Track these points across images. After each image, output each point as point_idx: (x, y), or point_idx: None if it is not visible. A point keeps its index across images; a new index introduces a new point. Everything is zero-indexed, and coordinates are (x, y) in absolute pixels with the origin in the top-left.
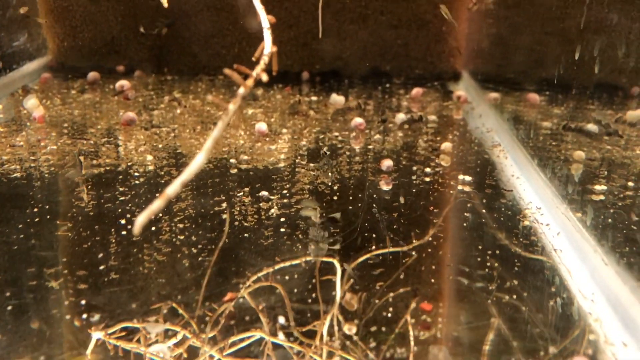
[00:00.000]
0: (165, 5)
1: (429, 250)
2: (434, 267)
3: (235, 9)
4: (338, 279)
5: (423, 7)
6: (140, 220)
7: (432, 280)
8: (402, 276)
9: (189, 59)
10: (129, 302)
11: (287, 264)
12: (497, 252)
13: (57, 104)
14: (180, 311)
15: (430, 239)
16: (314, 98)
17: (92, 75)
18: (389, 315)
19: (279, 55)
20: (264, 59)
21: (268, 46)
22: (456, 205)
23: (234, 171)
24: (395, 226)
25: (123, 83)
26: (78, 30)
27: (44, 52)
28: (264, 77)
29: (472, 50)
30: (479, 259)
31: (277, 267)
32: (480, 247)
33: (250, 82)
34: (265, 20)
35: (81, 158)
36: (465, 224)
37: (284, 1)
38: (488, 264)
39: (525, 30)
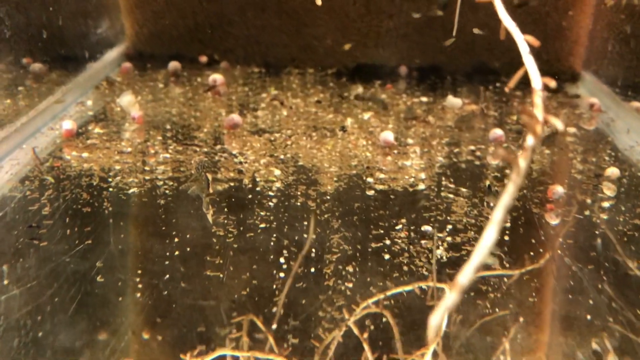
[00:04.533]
0: (319, 3)
1: None
2: None
3: None
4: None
5: None
6: (435, 322)
7: None
8: None
9: (278, 50)
10: None
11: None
12: None
13: (149, 100)
14: None
15: None
16: (424, 99)
17: (173, 65)
18: None
19: (376, 47)
20: (539, 94)
21: (537, 79)
22: None
23: (370, 193)
24: (599, 285)
25: (216, 77)
26: (159, 15)
27: (122, 39)
28: (559, 125)
29: (597, 49)
30: None
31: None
32: None
33: (539, 130)
34: (524, 43)
35: (209, 175)
36: None
37: None
38: None
39: None
